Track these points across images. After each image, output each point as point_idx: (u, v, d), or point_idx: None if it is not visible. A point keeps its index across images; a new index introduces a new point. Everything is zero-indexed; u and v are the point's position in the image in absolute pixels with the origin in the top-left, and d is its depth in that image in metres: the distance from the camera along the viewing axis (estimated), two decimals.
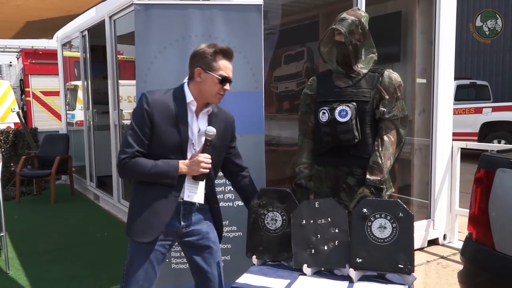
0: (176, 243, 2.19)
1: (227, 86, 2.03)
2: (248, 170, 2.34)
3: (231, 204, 2.79)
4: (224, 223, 2.75)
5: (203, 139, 2.03)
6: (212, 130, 2.00)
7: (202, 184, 2.08)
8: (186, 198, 2.04)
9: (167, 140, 2.00)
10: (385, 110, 2.39)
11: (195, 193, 2.06)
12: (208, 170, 2.02)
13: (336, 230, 1.97)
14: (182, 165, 2.00)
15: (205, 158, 2.00)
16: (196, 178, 2.03)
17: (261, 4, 2.85)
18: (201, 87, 2.03)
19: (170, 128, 2.00)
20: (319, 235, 1.98)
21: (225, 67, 2.02)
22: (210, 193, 2.17)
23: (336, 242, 1.96)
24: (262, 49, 2.86)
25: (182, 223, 2.08)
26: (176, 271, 2.84)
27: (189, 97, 2.04)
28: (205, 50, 2.01)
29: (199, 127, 2.06)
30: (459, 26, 5.31)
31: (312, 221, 2.01)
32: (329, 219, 1.99)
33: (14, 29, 5.67)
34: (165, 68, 2.76)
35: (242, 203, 2.70)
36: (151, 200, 2.02)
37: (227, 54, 2.03)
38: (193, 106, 2.06)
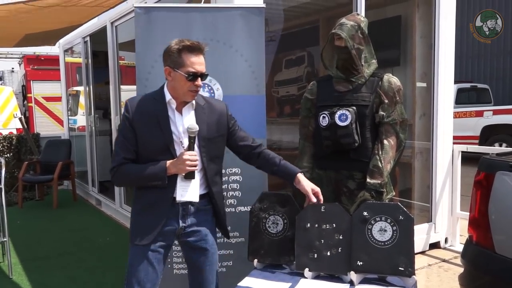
0: (177, 243, 2.20)
1: (198, 82, 1.97)
2: (259, 143, 2.26)
3: (234, 210, 2.80)
4: None
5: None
6: (194, 126, 1.97)
7: (194, 182, 2.04)
8: (178, 198, 2.02)
9: (152, 142, 2.00)
10: (385, 114, 2.41)
11: (187, 192, 2.02)
12: (195, 168, 1.98)
13: (340, 237, 1.97)
14: (170, 164, 1.98)
15: (190, 155, 1.96)
16: (187, 176, 2.00)
17: (263, 7, 2.84)
18: (173, 85, 2.00)
19: (153, 130, 1.99)
20: (322, 240, 1.99)
21: (192, 62, 1.95)
22: (212, 188, 2.11)
23: (339, 249, 1.96)
24: (263, 52, 2.85)
25: (181, 224, 2.07)
26: (178, 277, 2.85)
27: (168, 96, 2.03)
28: (171, 48, 1.98)
29: (183, 124, 2.02)
30: (459, 29, 5.36)
31: (316, 225, 2.01)
32: (334, 225, 1.99)
33: (15, 39, 5.72)
34: None
35: (245, 209, 2.72)
36: (148, 203, 2.03)
37: (192, 48, 1.96)
38: (173, 104, 2.03)
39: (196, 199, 2.05)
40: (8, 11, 4.16)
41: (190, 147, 1.98)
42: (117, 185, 2.19)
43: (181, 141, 2.03)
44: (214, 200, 2.13)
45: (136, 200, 2.10)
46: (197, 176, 2.04)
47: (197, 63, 1.96)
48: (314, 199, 2.04)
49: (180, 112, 2.04)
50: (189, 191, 2.03)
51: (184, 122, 2.03)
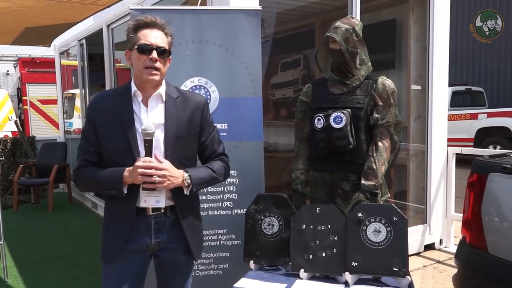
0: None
1: (153, 55, 1.73)
2: (219, 158, 1.98)
3: (230, 212, 2.81)
4: (222, 231, 2.79)
5: (156, 132, 1.73)
6: (149, 127, 1.69)
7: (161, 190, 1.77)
8: (142, 204, 1.78)
9: (115, 143, 1.76)
10: (379, 116, 2.43)
11: (151, 197, 1.77)
12: (150, 178, 1.68)
13: (335, 238, 1.98)
14: (127, 172, 1.71)
15: (144, 162, 1.68)
16: (146, 188, 1.72)
17: (259, 10, 2.85)
18: (134, 69, 1.79)
19: (115, 129, 1.75)
20: (317, 241, 2.00)
21: (144, 35, 1.75)
22: (180, 200, 1.83)
23: (334, 250, 1.97)
24: (260, 54, 2.85)
25: (154, 240, 1.81)
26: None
27: (133, 87, 1.80)
28: (128, 28, 1.80)
29: (148, 120, 1.77)
30: (453, 32, 5.40)
31: (312, 227, 2.02)
32: (329, 226, 2.00)
33: (12, 35, 5.72)
34: None
35: (241, 211, 2.73)
36: (113, 215, 1.82)
37: (147, 24, 1.77)
38: (139, 97, 1.80)
39: (161, 205, 1.79)
40: (4, 8, 4.18)
41: (146, 152, 1.71)
42: (80, 190, 1.80)
43: None
44: (183, 216, 1.85)
45: (105, 211, 1.88)
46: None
47: (150, 35, 1.75)
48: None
49: (146, 105, 1.81)
50: (154, 197, 1.78)
51: (150, 118, 1.78)
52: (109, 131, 1.77)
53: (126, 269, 1.82)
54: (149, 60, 1.73)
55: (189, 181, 1.79)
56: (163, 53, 1.77)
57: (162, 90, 1.83)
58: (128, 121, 1.76)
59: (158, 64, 1.75)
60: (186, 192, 1.81)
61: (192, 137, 1.87)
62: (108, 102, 1.81)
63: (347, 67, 2.47)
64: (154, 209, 1.80)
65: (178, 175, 1.76)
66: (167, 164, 1.73)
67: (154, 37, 1.76)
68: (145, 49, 1.73)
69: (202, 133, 1.91)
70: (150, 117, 1.79)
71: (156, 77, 1.76)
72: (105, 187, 1.76)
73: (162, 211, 1.81)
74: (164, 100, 1.82)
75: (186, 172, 1.80)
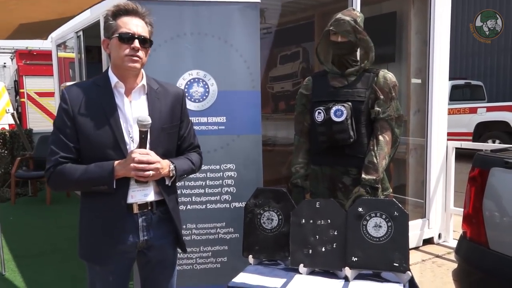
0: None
1: (135, 43, 1.68)
2: (194, 150, 1.99)
3: (228, 206, 2.79)
4: (221, 224, 2.78)
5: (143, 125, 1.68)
6: (145, 119, 1.66)
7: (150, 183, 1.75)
8: (129, 200, 1.73)
9: (98, 137, 1.68)
10: (380, 110, 2.40)
11: (139, 191, 1.74)
12: (147, 173, 1.64)
13: (335, 233, 1.97)
14: (118, 165, 1.65)
15: (140, 153, 1.64)
16: (139, 181, 1.69)
17: (258, 2, 2.82)
18: (113, 59, 1.74)
19: (98, 123, 1.68)
20: (317, 236, 1.99)
21: (124, 23, 1.70)
22: (167, 190, 1.82)
23: (334, 244, 1.96)
24: (258, 47, 2.83)
25: (142, 238, 1.77)
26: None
27: (113, 79, 1.73)
28: (107, 14, 1.75)
29: (133, 112, 1.74)
30: (453, 26, 5.37)
31: (311, 221, 2.01)
32: (329, 220, 1.99)
33: (7, 30, 5.65)
34: (160, 66, 2.67)
35: (239, 205, 2.72)
36: (99, 214, 1.73)
37: (126, 11, 1.73)
38: (121, 89, 1.74)
39: (150, 198, 1.77)
40: None
41: (141, 144, 1.68)
42: (54, 190, 1.75)
43: (131, 137, 1.72)
44: (170, 207, 1.83)
45: (84, 209, 1.78)
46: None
47: (131, 23, 1.70)
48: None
49: (129, 97, 1.76)
50: (142, 191, 1.75)
51: (134, 110, 1.74)
52: (92, 126, 1.68)
53: (114, 270, 1.78)
54: (130, 49, 1.68)
55: (174, 172, 1.79)
56: (145, 42, 1.72)
57: (144, 81, 1.80)
58: (112, 114, 1.70)
59: (140, 53, 1.70)
60: (168, 182, 1.80)
61: (175, 129, 1.86)
62: (86, 95, 1.72)
63: (348, 59, 2.44)
64: (140, 206, 1.76)
65: (165, 166, 1.75)
66: (155, 155, 1.71)
67: (135, 25, 1.71)
68: (127, 38, 1.68)
69: (182, 125, 1.91)
70: (134, 109, 1.75)
71: (138, 65, 1.71)
72: (92, 183, 1.67)
73: (149, 208, 1.78)
74: (146, 91, 1.79)
75: (172, 163, 1.79)
